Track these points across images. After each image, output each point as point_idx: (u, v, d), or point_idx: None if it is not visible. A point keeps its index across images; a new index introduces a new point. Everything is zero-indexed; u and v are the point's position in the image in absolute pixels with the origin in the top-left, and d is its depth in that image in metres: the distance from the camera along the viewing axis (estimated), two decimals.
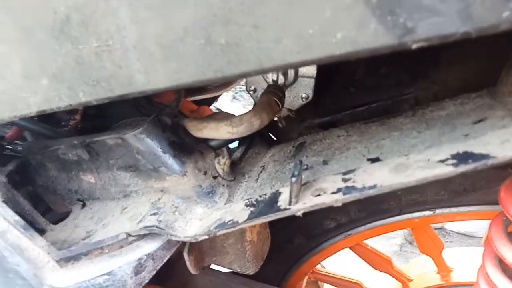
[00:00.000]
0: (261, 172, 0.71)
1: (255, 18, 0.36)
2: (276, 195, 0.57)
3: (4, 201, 0.65)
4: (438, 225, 2.78)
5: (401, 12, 0.32)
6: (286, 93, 0.75)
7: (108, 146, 0.65)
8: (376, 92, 0.76)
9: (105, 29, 0.41)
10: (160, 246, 0.64)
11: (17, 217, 0.64)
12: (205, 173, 0.65)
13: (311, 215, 0.82)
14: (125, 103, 0.75)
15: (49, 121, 0.75)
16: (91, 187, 0.74)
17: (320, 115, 0.82)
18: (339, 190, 0.51)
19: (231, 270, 0.91)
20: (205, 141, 0.69)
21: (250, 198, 0.60)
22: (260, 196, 0.59)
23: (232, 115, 0.68)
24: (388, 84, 0.75)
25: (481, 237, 2.68)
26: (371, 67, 0.76)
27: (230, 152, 0.74)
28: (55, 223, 0.74)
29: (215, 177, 0.66)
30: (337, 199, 0.50)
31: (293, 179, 0.49)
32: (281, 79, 0.75)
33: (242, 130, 0.64)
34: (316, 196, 0.52)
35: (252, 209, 0.57)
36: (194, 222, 0.62)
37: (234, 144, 0.77)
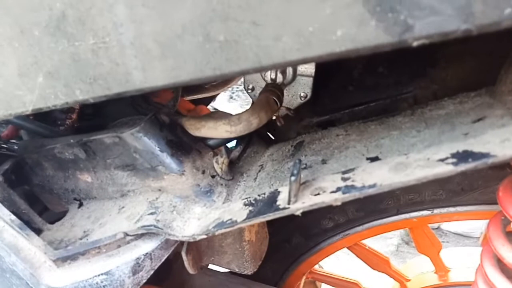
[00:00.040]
0: (259, 171, 0.70)
1: (254, 15, 0.36)
2: (275, 194, 0.57)
3: (0, 201, 0.64)
4: (435, 225, 2.79)
5: (402, 9, 0.32)
6: (285, 92, 0.75)
7: (105, 145, 0.65)
8: (375, 91, 0.76)
9: (102, 26, 0.41)
10: (158, 245, 0.63)
11: (13, 217, 0.64)
12: (203, 172, 0.65)
13: (309, 215, 0.82)
14: (122, 102, 0.75)
15: (45, 121, 0.74)
16: (88, 187, 0.73)
17: (318, 114, 0.82)
18: (338, 189, 0.50)
19: (229, 270, 0.91)
20: (203, 140, 0.69)
21: (249, 197, 0.60)
22: (258, 195, 0.59)
23: (230, 114, 0.68)
24: (387, 83, 0.75)
25: (477, 237, 2.70)
26: (370, 66, 0.76)
27: (228, 151, 0.73)
28: (52, 222, 0.73)
29: (213, 176, 0.66)
30: (337, 198, 0.49)
31: (292, 178, 0.49)
32: (279, 78, 0.74)
33: (240, 129, 0.63)
34: (316, 195, 0.51)
35: (250, 208, 0.57)
36: (192, 221, 0.62)
37: (232, 144, 0.76)
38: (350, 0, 0.33)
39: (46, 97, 0.47)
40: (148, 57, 0.41)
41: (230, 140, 0.70)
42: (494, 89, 0.59)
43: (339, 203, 0.50)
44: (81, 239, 0.67)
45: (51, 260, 0.62)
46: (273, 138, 0.86)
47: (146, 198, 0.68)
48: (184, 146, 0.65)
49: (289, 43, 0.36)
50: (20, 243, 0.63)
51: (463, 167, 0.45)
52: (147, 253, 0.62)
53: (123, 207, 0.70)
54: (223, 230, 0.57)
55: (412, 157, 0.50)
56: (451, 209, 0.96)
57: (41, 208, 0.80)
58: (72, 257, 0.63)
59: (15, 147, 0.75)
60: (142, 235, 0.64)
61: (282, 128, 0.81)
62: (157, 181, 0.66)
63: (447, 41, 0.33)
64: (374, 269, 1.33)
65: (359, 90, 0.78)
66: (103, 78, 0.44)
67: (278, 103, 0.69)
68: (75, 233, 0.69)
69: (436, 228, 2.84)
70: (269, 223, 0.80)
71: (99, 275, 0.61)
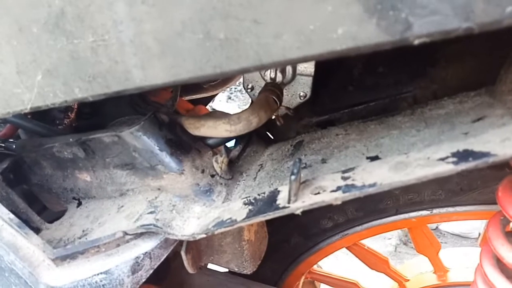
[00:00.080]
0: (259, 170, 0.70)
1: (255, 13, 0.36)
2: (274, 194, 0.56)
3: None
4: (433, 226, 2.79)
5: (403, 8, 0.32)
6: (284, 91, 0.75)
7: (104, 144, 0.65)
8: (374, 90, 0.76)
9: (101, 24, 0.40)
10: (157, 244, 0.63)
11: (11, 216, 0.63)
12: (203, 171, 0.64)
13: (308, 215, 0.82)
14: (121, 101, 0.75)
15: (43, 120, 0.74)
16: (87, 186, 0.73)
17: (318, 114, 0.81)
18: (338, 188, 0.50)
19: (229, 270, 0.91)
20: (203, 139, 0.68)
21: (249, 196, 0.60)
22: (258, 195, 0.58)
23: (229, 114, 0.68)
24: (386, 82, 0.75)
25: (476, 238, 2.71)
26: (370, 65, 0.75)
27: (228, 150, 0.73)
28: (51, 222, 0.73)
29: (212, 176, 0.66)
30: (337, 197, 0.49)
31: (292, 177, 0.49)
32: (279, 77, 0.74)
33: (240, 128, 0.63)
34: (316, 194, 0.51)
35: (250, 207, 0.57)
36: (192, 220, 0.62)
37: (232, 143, 0.76)
38: None
39: (45, 95, 0.47)
40: (147, 55, 0.41)
41: (229, 139, 0.69)
42: (494, 88, 0.59)
43: (339, 202, 0.49)
44: (80, 238, 0.67)
45: (50, 259, 0.62)
46: (272, 137, 0.86)
47: (145, 197, 0.68)
48: (184, 145, 0.64)
49: (289, 41, 0.36)
50: (19, 242, 0.63)
51: (463, 166, 0.45)
52: (146, 252, 0.62)
53: (122, 206, 0.69)
54: (222, 229, 0.56)
55: (412, 156, 0.50)
56: (450, 209, 0.96)
57: (40, 207, 0.79)
58: (71, 256, 0.62)
59: (13, 146, 0.75)
60: (141, 234, 0.64)
61: (281, 127, 0.81)
62: (157, 180, 0.66)
63: (447, 40, 0.33)
64: (373, 269, 1.33)
65: (359, 89, 0.77)
66: (102, 76, 0.44)
67: (278, 103, 0.69)
68: (74, 232, 0.69)
69: (435, 229, 2.84)
70: (268, 222, 0.80)
71: (98, 274, 0.61)
